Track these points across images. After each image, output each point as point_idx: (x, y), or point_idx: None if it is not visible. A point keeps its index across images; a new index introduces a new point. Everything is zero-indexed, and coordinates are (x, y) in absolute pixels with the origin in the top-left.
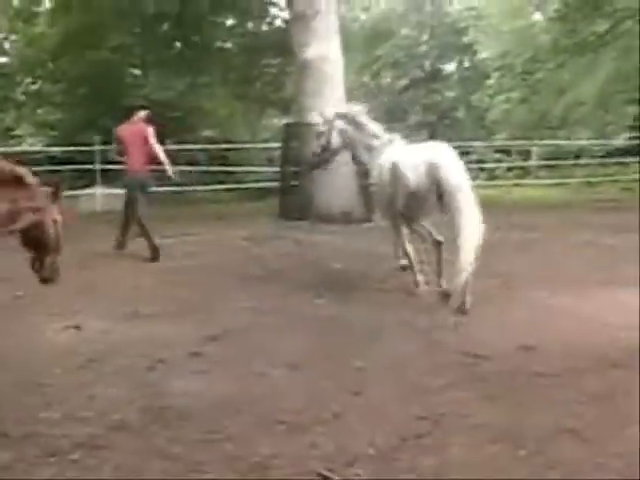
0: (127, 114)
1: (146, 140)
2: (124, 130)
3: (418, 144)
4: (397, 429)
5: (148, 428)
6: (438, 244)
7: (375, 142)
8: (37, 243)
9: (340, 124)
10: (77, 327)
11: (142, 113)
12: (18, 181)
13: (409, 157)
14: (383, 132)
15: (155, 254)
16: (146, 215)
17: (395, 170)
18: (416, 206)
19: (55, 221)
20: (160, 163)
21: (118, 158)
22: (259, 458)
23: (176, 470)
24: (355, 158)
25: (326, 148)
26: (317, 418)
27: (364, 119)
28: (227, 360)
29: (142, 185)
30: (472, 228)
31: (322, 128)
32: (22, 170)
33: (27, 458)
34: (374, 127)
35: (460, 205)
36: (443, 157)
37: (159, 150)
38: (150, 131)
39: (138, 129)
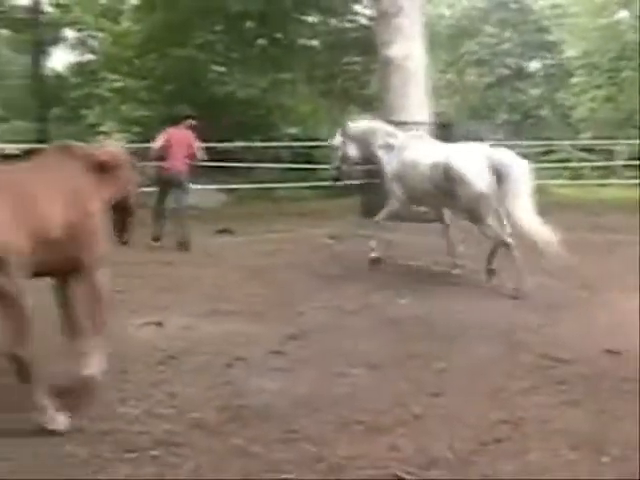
0: (175, 121)
1: (189, 144)
2: (171, 134)
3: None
4: (476, 433)
5: (227, 426)
6: (507, 245)
7: (393, 141)
8: (123, 208)
9: (355, 134)
10: (158, 324)
11: (188, 122)
12: (126, 165)
13: (466, 157)
14: (399, 132)
15: (182, 247)
16: (184, 208)
17: (450, 171)
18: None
19: (135, 195)
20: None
21: (155, 155)
22: (337, 459)
23: (254, 469)
24: (374, 159)
25: (344, 160)
26: (397, 419)
27: (378, 124)
28: (307, 359)
29: (180, 182)
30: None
31: (337, 143)
32: (125, 155)
33: (104, 454)
34: (389, 128)
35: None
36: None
37: (199, 153)
38: (192, 137)
39: (184, 134)
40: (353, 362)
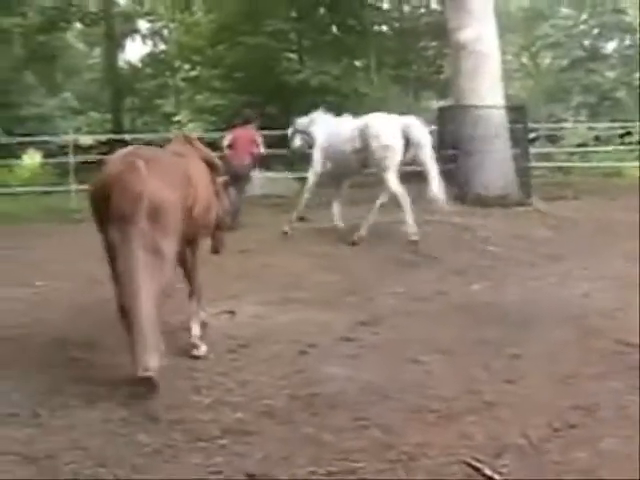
0: (244, 122)
1: (253, 141)
2: (236, 133)
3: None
4: (549, 419)
5: (298, 414)
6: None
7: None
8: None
9: (300, 127)
10: (231, 312)
11: (251, 124)
12: (215, 171)
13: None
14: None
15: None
16: (244, 197)
17: (367, 129)
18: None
19: (223, 205)
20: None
21: (226, 151)
22: (408, 447)
23: (325, 458)
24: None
25: (293, 148)
26: (468, 407)
27: (319, 115)
28: (378, 346)
29: (245, 174)
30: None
31: (290, 134)
32: (218, 162)
33: (177, 443)
34: (328, 117)
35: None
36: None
37: (262, 148)
38: (257, 135)
39: (248, 132)
40: (425, 349)
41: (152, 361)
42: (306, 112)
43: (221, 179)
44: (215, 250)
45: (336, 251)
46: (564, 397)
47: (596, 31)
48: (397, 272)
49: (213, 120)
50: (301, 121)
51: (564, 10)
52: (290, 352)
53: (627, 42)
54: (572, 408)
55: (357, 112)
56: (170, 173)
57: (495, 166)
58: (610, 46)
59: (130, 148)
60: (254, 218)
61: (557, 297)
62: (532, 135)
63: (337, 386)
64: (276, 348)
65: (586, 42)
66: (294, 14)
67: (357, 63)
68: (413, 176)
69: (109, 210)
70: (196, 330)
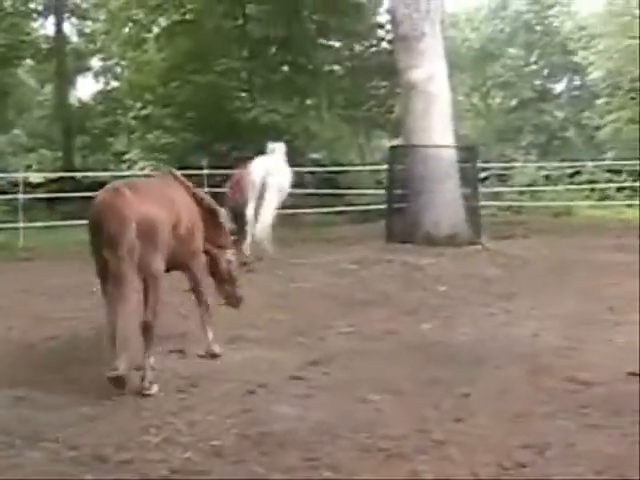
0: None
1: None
2: (237, 174)
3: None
4: (499, 458)
5: (247, 454)
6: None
7: None
8: (213, 275)
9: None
10: (181, 351)
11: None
12: (214, 216)
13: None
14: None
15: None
16: None
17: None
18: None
19: (229, 261)
20: None
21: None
22: None
23: None
24: None
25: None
26: (418, 446)
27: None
28: (329, 386)
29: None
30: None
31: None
32: (219, 208)
33: None
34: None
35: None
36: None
37: None
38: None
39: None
40: (375, 388)
41: (121, 364)
42: (257, 150)
43: (231, 247)
44: (229, 304)
45: (287, 290)
46: (514, 436)
47: (546, 71)
48: (350, 311)
49: (164, 158)
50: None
51: (514, 51)
52: (240, 391)
53: (576, 82)
54: (522, 447)
55: (307, 151)
56: (154, 195)
57: (445, 205)
58: (559, 86)
59: (116, 182)
60: None
61: (507, 336)
62: (482, 175)
63: (288, 425)
64: (226, 387)
65: (536, 82)
66: (245, 53)
67: (308, 102)
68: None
69: (101, 234)
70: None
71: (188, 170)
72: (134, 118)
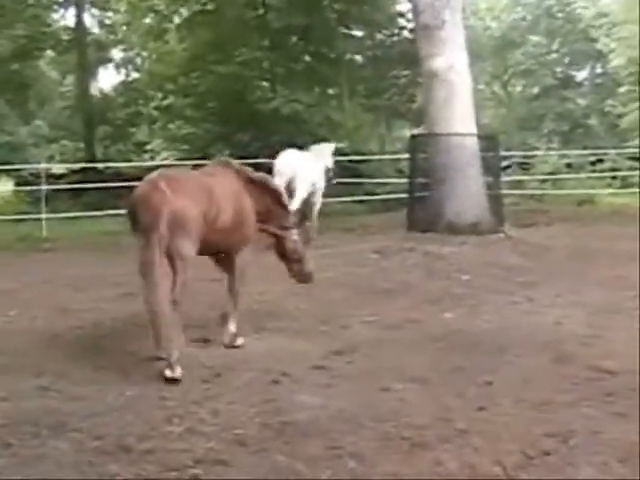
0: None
1: None
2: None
3: None
4: (523, 446)
5: (270, 443)
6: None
7: None
8: (281, 255)
9: None
10: (205, 340)
11: None
12: (277, 199)
13: None
14: None
15: None
16: None
17: None
18: None
19: (295, 241)
20: None
21: None
22: (381, 475)
23: None
24: None
25: None
26: (441, 435)
27: None
28: (352, 375)
29: None
30: None
31: None
32: (281, 191)
33: (149, 473)
34: None
35: None
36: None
37: None
38: None
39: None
40: (398, 377)
41: (173, 357)
42: (279, 140)
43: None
44: (301, 280)
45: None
46: (538, 424)
47: (567, 59)
48: (372, 300)
49: (186, 148)
50: None
51: (535, 38)
52: (264, 380)
53: (598, 70)
54: (546, 435)
55: (330, 140)
56: (189, 189)
57: (467, 194)
58: (581, 74)
59: (160, 170)
60: None
61: (530, 324)
62: (504, 163)
63: (311, 414)
64: (250, 376)
65: (558, 70)
66: (266, 43)
67: (330, 91)
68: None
69: (137, 223)
70: (232, 327)
71: (209, 160)
72: (155, 108)
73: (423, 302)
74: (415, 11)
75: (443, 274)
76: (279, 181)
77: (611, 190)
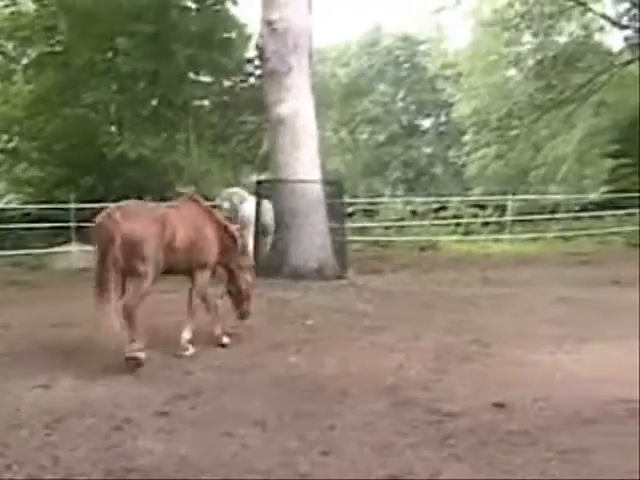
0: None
1: None
2: None
3: None
4: None
5: None
6: None
7: None
8: (231, 291)
9: None
10: (46, 386)
11: None
12: (235, 242)
13: None
14: None
15: None
16: None
17: None
18: None
19: (247, 281)
20: None
21: None
22: None
23: None
24: None
25: None
26: (284, 479)
27: None
28: (195, 420)
29: None
30: None
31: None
32: (236, 233)
33: None
34: None
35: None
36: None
37: None
38: None
39: None
40: (241, 422)
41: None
42: (124, 184)
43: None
44: (242, 317)
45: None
46: (379, 467)
47: (413, 107)
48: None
49: (30, 192)
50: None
51: (383, 87)
52: (105, 426)
53: (443, 118)
54: (387, 477)
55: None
56: (142, 216)
57: (312, 240)
58: (426, 122)
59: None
60: (71, 291)
61: (373, 368)
62: (349, 209)
63: (153, 460)
64: (92, 422)
65: (403, 118)
66: (114, 87)
67: (177, 136)
68: None
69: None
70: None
71: (54, 204)
72: (0, 151)
73: (268, 347)
74: (262, 57)
75: (288, 319)
76: (247, 228)
77: (455, 237)
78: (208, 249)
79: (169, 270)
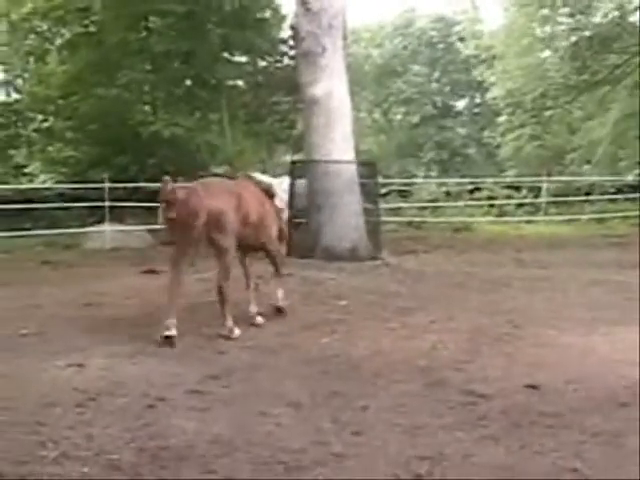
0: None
1: None
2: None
3: None
4: (396, 469)
5: (144, 468)
6: None
7: None
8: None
9: None
10: (80, 365)
11: None
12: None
13: None
14: None
15: None
16: None
17: None
18: None
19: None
20: None
21: None
22: None
23: None
24: None
25: None
26: (317, 458)
27: None
28: (228, 399)
29: None
30: None
31: None
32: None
33: None
34: None
35: None
36: None
37: None
38: None
39: None
40: (274, 402)
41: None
42: (157, 164)
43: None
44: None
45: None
46: (411, 448)
47: (447, 89)
48: (246, 325)
49: (64, 171)
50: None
51: (417, 68)
52: (138, 405)
53: (477, 100)
54: (419, 458)
55: (210, 165)
56: (222, 192)
57: (345, 220)
58: (460, 104)
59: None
60: (104, 270)
61: (406, 349)
62: (383, 190)
63: (186, 439)
64: (125, 402)
65: (437, 99)
66: (148, 66)
67: (211, 116)
68: None
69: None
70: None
71: (88, 184)
72: (35, 131)
73: (300, 327)
74: (296, 38)
75: (321, 300)
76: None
77: (488, 218)
78: (271, 224)
79: (238, 245)
